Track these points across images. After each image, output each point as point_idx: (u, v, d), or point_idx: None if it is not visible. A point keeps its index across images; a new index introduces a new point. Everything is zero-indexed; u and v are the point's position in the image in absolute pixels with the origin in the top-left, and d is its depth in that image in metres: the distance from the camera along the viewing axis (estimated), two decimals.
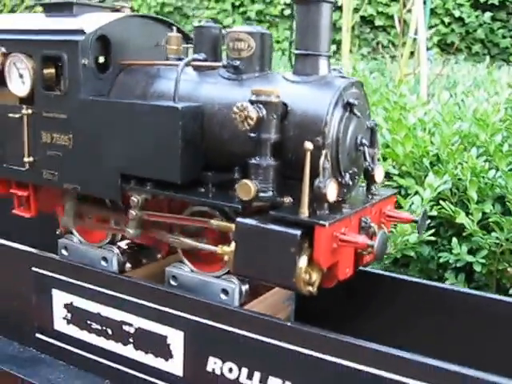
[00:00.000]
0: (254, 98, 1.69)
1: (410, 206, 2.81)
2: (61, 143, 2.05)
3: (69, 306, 2.12)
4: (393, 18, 10.63)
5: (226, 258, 1.81)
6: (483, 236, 2.72)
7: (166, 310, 1.91)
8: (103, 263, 2.18)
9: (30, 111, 2.11)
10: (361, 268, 2.10)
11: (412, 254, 2.74)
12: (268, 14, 12.78)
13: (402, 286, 2.17)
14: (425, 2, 6.09)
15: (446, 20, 12.87)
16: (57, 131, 2.06)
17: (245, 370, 1.79)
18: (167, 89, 1.98)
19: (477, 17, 12.89)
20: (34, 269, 2.18)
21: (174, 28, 2.13)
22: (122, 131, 1.92)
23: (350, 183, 1.79)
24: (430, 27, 6.55)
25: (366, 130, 1.85)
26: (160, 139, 1.84)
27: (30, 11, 6.51)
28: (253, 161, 1.71)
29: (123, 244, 2.22)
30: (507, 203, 2.78)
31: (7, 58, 2.13)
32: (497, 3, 12.78)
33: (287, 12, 12.44)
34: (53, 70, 2.13)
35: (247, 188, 1.68)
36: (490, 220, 2.75)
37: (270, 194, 1.70)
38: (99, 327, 2.07)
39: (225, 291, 1.92)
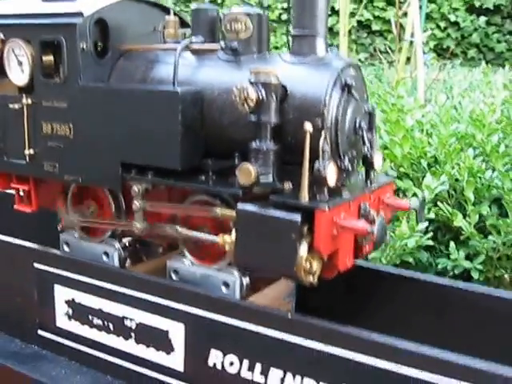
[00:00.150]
0: (253, 78, 1.68)
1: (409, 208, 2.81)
2: (61, 133, 2.04)
3: (70, 302, 2.12)
4: (389, 22, 10.69)
5: (226, 247, 1.80)
6: (480, 240, 2.74)
7: (168, 303, 1.90)
8: (105, 258, 2.17)
9: (29, 101, 2.09)
10: (360, 264, 2.11)
11: (411, 260, 2.75)
12: None
13: (400, 282, 2.17)
14: (420, 7, 6.13)
15: (442, 24, 12.94)
16: (57, 121, 2.04)
17: (246, 362, 1.78)
18: (166, 73, 1.96)
19: (472, 21, 12.96)
20: (36, 265, 2.18)
21: (172, 12, 2.12)
22: (121, 118, 1.91)
23: (349, 167, 1.78)
24: (426, 31, 6.57)
25: (365, 114, 1.84)
26: (160, 125, 1.83)
27: None
28: (253, 145, 1.70)
29: (124, 240, 2.21)
30: (504, 204, 2.79)
31: (5, 45, 2.11)
32: (491, 7, 12.85)
33: (285, 17, 12.49)
34: (51, 58, 2.10)
35: (248, 172, 1.67)
36: (487, 223, 2.77)
37: (270, 178, 1.69)
38: (101, 322, 2.06)
39: (226, 284, 1.91)
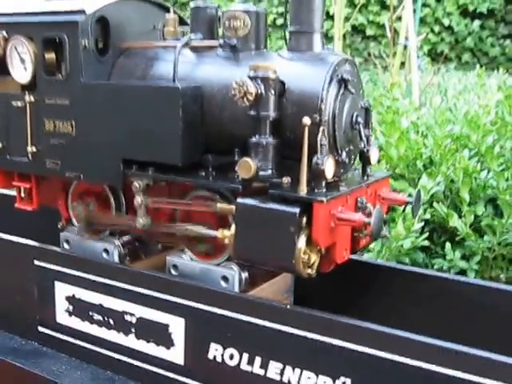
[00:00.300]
0: (252, 73, 1.71)
1: (404, 209, 2.85)
2: (63, 131, 2.06)
3: (71, 298, 2.14)
4: (383, 27, 10.73)
5: (226, 240, 1.83)
6: (476, 240, 2.76)
7: (168, 297, 1.92)
8: (104, 255, 2.19)
9: (32, 98, 2.12)
10: (357, 258, 2.15)
11: (407, 260, 2.78)
12: None
13: (397, 275, 2.20)
14: (414, 11, 6.18)
15: (436, 29, 13.01)
16: (59, 118, 2.07)
17: (246, 356, 1.80)
18: (166, 71, 1.99)
19: (466, 25, 13.03)
20: (36, 262, 2.20)
21: (171, 10, 2.15)
22: (123, 115, 1.93)
23: (347, 161, 1.81)
24: (420, 35, 6.61)
25: (361, 110, 1.87)
26: (161, 121, 1.86)
27: None
28: (253, 139, 1.74)
29: (123, 237, 2.24)
30: (499, 204, 2.82)
31: (8, 42, 2.13)
32: (485, 12, 12.92)
33: (280, 21, 12.55)
34: (53, 55, 2.13)
35: (247, 166, 1.70)
36: (483, 223, 2.80)
37: (270, 172, 1.73)
38: (101, 318, 2.08)
39: (225, 278, 1.93)
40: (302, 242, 1.65)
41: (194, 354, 1.91)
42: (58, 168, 2.11)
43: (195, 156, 1.90)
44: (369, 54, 11.68)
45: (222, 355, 1.84)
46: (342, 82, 1.77)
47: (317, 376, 1.69)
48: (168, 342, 1.95)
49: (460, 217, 2.83)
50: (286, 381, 1.73)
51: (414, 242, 2.75)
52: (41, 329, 2.24)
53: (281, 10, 12.55)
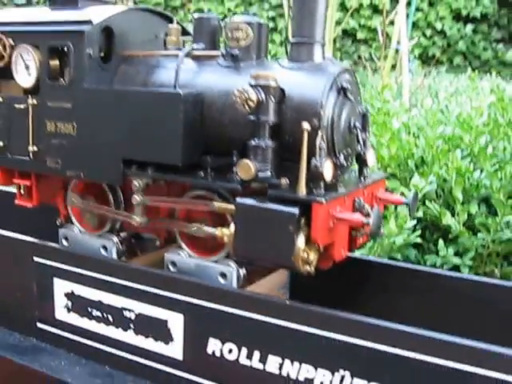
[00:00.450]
0: (253, 81, 1.77)
1: (396, 207, 2.89)
2: (65, 132, 2.12)
3: (70, 295, 2.17)
4: (375, 31, 10.79)
5: (225, 239, 1.87)
6: (470, 238, 2.81)
7: (166, 294, 1.96)
8: (103, 252, 2.23)
9: (35, 101, 2.17)
10: (351, 255, 2.19)
11: (399, 256, 2.81)
12: None
13: (391, 271, 2.25)
14: (407, 15, 6.24)
15: (428, 33, 13.09)
16: (61, 120, 2.12)
17: (244, 350, 1.84)
18: (167, 78, 2.05)
19: (458, 29, 13.11)
20: (35, 259, 2.23)
21: (175, 20, 2.22)
22: (125, 118, 1.99)
23: (344, 164, 1.87)
24: (412, 39, 6.69)
25: (359, 115, 1.94)
26: (162, 124, 1.91)
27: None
28: (252, 142, 1.79)
29: (122, 234, 2.27)
30: (492, 203, 2.86)
31: (14, 50, 2.20)
32: (478, 16, 13.01)
33: (271, 25, 12.59)
34: (57, 62, 2.19)
35: (247, 167, 1.76)
36: (476, 221, 2.84)
37: (268, 174, 1.78)
38: (100, 314, 2.11)
39: (223, 275, 1.98)
40: (301, 241, 1.71)
41: (192, 349, 1.94)
42: (58, 167, 2.16)
43: (194, 157, 1.95)
44: (359, 57, 11.76)
45: (221, 350, 1.88)
46: (341, 90, 1.84)
47: (316, 369, 1.73)
48: (167, 338, 1.98)
49: (453, 215, 2.88)
50: (285, 374, 1.78)
51: (406, 239, 2.79)
52: (40, 325, 2.27)
53: (271, 14, 12.60)
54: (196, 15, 2.09)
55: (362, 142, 1.92)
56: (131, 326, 2.05)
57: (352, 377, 1.68)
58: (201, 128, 1.95)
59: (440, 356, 1.56)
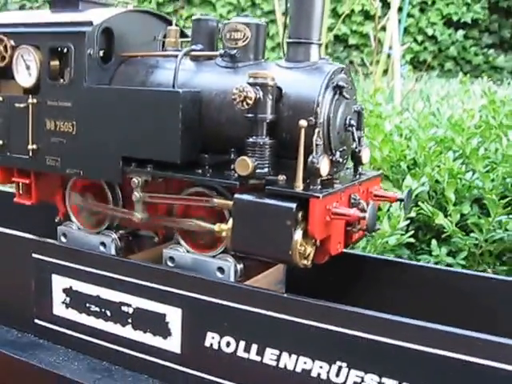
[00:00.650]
0: (251, 80, 1.82)
1: (389, 208, 2.93)
2: (64, 130, 2.15)
3: (68, 291, 2.19)
4: (366, 36, 10.86)
5: (224, 234, 1.91)
6: (462, 237, 2.85)
7: (165, 288, 1.98)
8: (101, 248, 2.26)
9: (35, 100, 2.21)
10: (346, 251, 2.22)
11: (392, 256, 2.84)
12: None
13: (382, 266, 2.32)
14: (399, 21, 6.30)
15: (419, 38, 13.18)
16: (61, 118, 2.16)
17: (242, 343, 1.87)
18: (166, 78, 2.10)
19: (449, 35, 13.21)
20: (34, 255, 2.25)
21: (174, 22, 2.27)
22: (124, 116, 2.02)
23: (340, 160, 1.92)
24: (404, 44, 6.75)
25: (354, 113, 1.99)
26: (161, 122, 1.95)
27: None
28: (250, 139, 1.84)
29: (120, 231, 2.30)
30: (484, 203, 2.90)
31: (15, 51, 2.24)
32: (469, 21, 13.11)
33: None
34: (57, 63, 2.24)
35: (245, 164, 1.80)
36: (469, 221, 2.88)
37: (266, 170, 1.83)
38: (98, 309, 2.13)
39: (221, 269, 2.01)
40: (298, 235, 1.75)
41: (190, 343, 1.97)
42: (58, 165, 2.19)
43: (193, 155, 1.99)
44: (351, 62, 11.82)
45: (219, 343, 1.91)
46: (337, 89, 1.89)
47: (313, 361, 1.76)
48: (165, 332, 2.01)
49: (445, 216, 2.92)
50: (283, 366, 1.81)
51: (399, 239, 2.83)
52: (37, 321, 2.28)
53: (263, 20, 12.63)
54: (194, 17, 2.14)
55: (357, 140, 1.96)
56: (129, 320, 2.07)
57: (349, 368, 1.71)
58: (199, 126, 1.99)
59: (437, 346, 1.59)
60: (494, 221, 2.79)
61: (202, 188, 2.03)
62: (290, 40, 1.96)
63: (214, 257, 2.04)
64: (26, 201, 2.37)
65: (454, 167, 3.08)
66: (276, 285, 2.23)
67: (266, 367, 1.83)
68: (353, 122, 1.94)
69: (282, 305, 1.80)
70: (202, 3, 13.46)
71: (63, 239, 2.36)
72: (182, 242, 2.10)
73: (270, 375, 1.83)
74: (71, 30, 2.12)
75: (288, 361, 1.80)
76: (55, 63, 2.23)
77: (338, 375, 1.73)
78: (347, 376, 1.72)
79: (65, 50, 2.16)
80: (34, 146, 2.23)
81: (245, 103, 1.78)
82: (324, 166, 1.76)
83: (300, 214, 1.75)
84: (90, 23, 2.10)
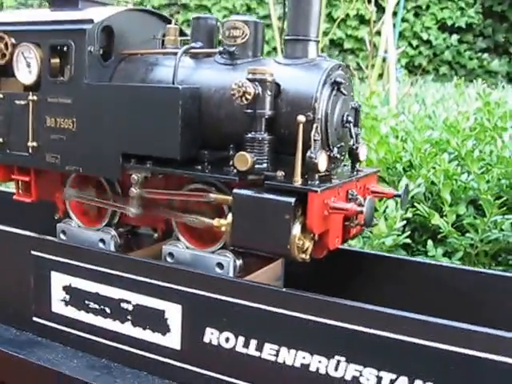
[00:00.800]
0: (250, 76, 1.84)
1: (385, 210, 2.95)
2: (64, 127, 2.17)
3: (67, 288, 2.20)
4: (361, 41, 10.90)
5: (223, 229, 1.92)
6: (458, 237, 2.87)
7: (164, 284, 1.99)
8: (101, 245, 2.27)
9: (35, 97, 2.23)
10: (342, 247, 2.24)
11: None
12: None
13: (378, 262, 2.35)
14: (394, 25, 6.34)
15: (414, 43, 13.25)
16: (61, 115, 2.17)
17: (241, 339, 1.88)
18: (166, 75, 2.12)
19: (444, 39, 13.29)
20: (33, 252, 2.26)
21: (173, 21, 2.29)
22: (124, 113, 2.04)
23: (338, 156, 1.94)
24: (398, 48, 6.79)
25: (351, 110, 2.01)
26: (161, 118, 1.97)
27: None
28: (249, 135, 1.86)
29: (120, 228, 2.32)
30: (480, 204, 2.92)
31: (16, 49, 2.26)
32: (464, 26, 13.18)
33: None
34: (57, 60, 2.26)
35: (244, 159, 1.82)
36: (465, 222, 2.89)
37: (265, 165, 1.84)
38: (97, 307, 2.14)
39: (220, 265, 2.03)
40: (296, 229, 1.76)
41: (190, 339, 1.98)
42: (58, 162, 2.20)
43: (192, 151, 2.00)
44: (346, 66, 11.86)
45: (218, 339, 1.92)
46: (335, 85, 1.92)
47: (312, 356, 1.77)
48: (164, 328, 2.01)
49: (441, 216, 2.93)
50: (282, 361, 1.82)
51: (395, 239, 2.85)
52: (36, 319, 2.29)
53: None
54: (194, 15, 2.17)
55: (354, 137, 1.98)
56: (129, 317, 2.08)
57: (347, 362, 1.73)
58: (198, 123, 2.01)
59: (435, 339, 1.61)
60: (489, 221, 2.81)
61: (202, 184, 2.04)
62: (288, 37, 1.98)
63: (213, 252, 2.05)
64: (26, 198, 2.39)
65: (450, 169, 3.10)
66: (275, 281, 2.24)
67: (265, 362, 1.84)
68: (350, 118, 1.96)
69: (281, 300, 1.81)
70: (198, 8, 13.51)
71: (62, 236, 2.37)
72: (182, 237, 2.11)
73: (269, 370, 1.84)
74: (72, 27, 2.15)
75: (287, 356, 1.81)
76: (55, 61, 2.25)
77: (336, 369, 1.74)
78: (346, 370, 1.73)
79: (65, 48, 2.18)
80: (34, 143, 2.24)
81: (244, 98, 1.80)
82: (322, 161, 1.78)
83: (298, 209, 1.77)
84: (90, 21, 2.12)
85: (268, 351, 1.84)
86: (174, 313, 1.99)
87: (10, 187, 2.74)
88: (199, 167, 1.99)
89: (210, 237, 2.06)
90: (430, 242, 2.92)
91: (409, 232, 2.94)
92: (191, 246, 2.10)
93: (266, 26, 2.07)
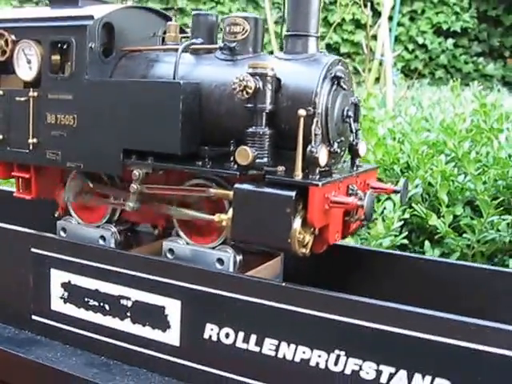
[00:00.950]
0: (251, 70, 1.85)
1: (383, 211, 2.96)
2: (65, 123, 2.17)
3: (66, 285, 2.19)
4: (357, 45, 10.94)
5: (224, 223, 1.92)
6: (455, 238, 2.88)
7: (164, 280, 1.99)
8: (101, 242, 2.28)
9: (35, 94, 2.23)
10: (339, 243, 2.25)
11: None
12: None
13: (377, 258, 2.36)
14: (390, 29, 6.38)
15: (410, 47, 13.31)
16: (61, 112, 2.18)
17: (241, 334, 1.88)
18: (166, 71, 2.12)
19: (439, 43, 13.35)
20: (33, 249, 2.25)
21: (173, 18, 2.31)
22: (125, 109, 2.05)
23: (338, 151, 1.95)
24: (394, 51, 6.83)
25: (351, 105, 2.03)
26: (162, 114, 1.97)
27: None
28: (249, 129, 1.87)
29: (120, 225, 2.32)
30: (477, 205, 2.94)
31: (16, 45, 2.27)
32: (459, 30, 13.25)
33: None
34: (58, 57, 2.27)
35: (245, 153, 1.83)
36: (461, 222, 2.91)
37: (266, 160, 1.86)
38: (96, 304, 2.14)
39: (220, 260, 2.04)
40: (297, 223, 1.77)
41: (189, 335, 1.97)
42: (58, 159, 2.21)
43: (193, 147, 2.01)
44: None
45: (218, 334, 1.91)
46: (335, 79, 1.93)
47: (311, 350, 1.77)
48: (164, 325, 2.01)
49: (438, 217, 2.94)
50: (282, 356, 1.82)
51: (393, 240, 2.86)
52: (35, 317, 2.28)
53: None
54: (194, 12, 2.18)
55: (354, 132, 1.99)
56: (128, 314, 2.08)
57: (347, 356, 1.73)
58: (199, 118, 2.02)
59: (433, 333, 1.61)
60: (486, 221, 2.82)
61: (202, 180, 2.05)
62: (289, 33, 1.99)
63: (213, 248, 2.06)
64: (26, 195, 2.38)
65: (447, 170, 3.12)
66: (274, 278, 2.24)
67: (265, 357, 1.84)
68: (350, 113, 1.97)
69: (282, 294, 1.81)
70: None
71: (63, 234, 2.37)
72: (182, 233, 2.12)
73: (269, 365, 1.84)
74: (72, 23, 2.15)
75: (287, 350, 1.81)
76: (56, 57, 2.25)
77: (336, 364, 1.74)
78: (345, 364, 1.73)
79: (66, 45, 2.18)
80: (35, 140, 2.24)
81: (244, 92, 1.81)
82: (322, 156, 1.79)
83: (299, 203, 1.77)
84: (91, 17, 2.13)
85: (268, 346, 1.84)
86: (173, 309, 1.99)
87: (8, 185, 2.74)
88: (200, 163, 1.99)
89: (211, 232, 2.07)
90: (427, 243, 2.93)
91: (406, 233, 2.95)
92: (191, 241, 2.10)
93: None
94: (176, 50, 2.08)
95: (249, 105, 1.86)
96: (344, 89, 1.94)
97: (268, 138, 1.86)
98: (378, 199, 3.08)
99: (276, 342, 1.83)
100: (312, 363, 1.78)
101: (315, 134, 1.79)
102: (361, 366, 1.71)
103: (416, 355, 1.64)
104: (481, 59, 13.66)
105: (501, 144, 3.38)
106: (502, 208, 2.83)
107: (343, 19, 12.74)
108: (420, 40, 13.34)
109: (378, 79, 6.52)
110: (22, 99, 2.25)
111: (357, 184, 2.00)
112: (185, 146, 1.96)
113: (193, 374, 1.97)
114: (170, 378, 2.01)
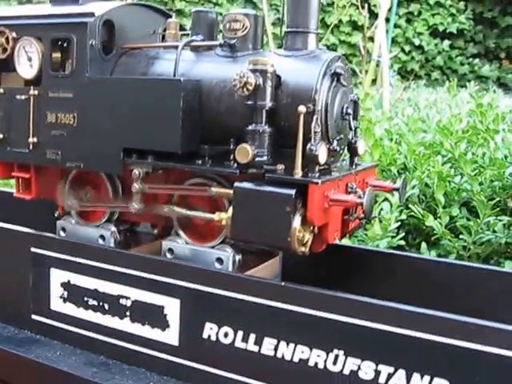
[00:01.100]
0: (251, 67, 1.85)
1: (380, 212, 2.97)
2: (65, 122, 2.17)
3: (66, 284, 2.19)
4: (354, 46, 10.95)
5: (223, 222, 1.93)
6: (451, 239, 2.89)
7: (163, 279, 1.99)
8: (101, 241, 2.28)
9: (36, 92, 2.23)
10: (337, 243, 2.26)
11: None
12: None
13: (375, 257, 2.37)
14: (387, 31, 6.40)
15: (406, 48, 13.34)
16: (62, 110, 2.17)
17: (240, 333, 1.87)
18: (166, 68, 2.12)
19: (436, 45, 13.38)
20: (32, 249, 2.25)
21: (173, 15, 2.31)
22: (125, 107, 2.04)
23: (337, 149, 1.95)
24: (391, 52, 6.85)
25: (350, 102, 2.03)
26: (162, 111, 1.97)
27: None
28: (249, 127, 1.87)
29: (120, 225, 2.32)
30: (473, 205, 2.94)
31: (17, 43, 2.26)
32: (455, 32, 13.29)
33: None
34: (59, 54, 2.26)
35: (245, 151, 1.83)
36: (458, 223, 2.91)
37: (265, 158, 1.86)
38: (96, 303, 2.13)
39: (219, 260, 2.04)
40: (297, 222, 1.77)
41: (188, 335, 1.97)
42: (58, 158, 2.20)
43: (193, 145, 2.01)
44: None
45: (217, 334, 1.91)
46: (335, 76, 1.93)
47: (310, 350, 1.77)
48: (163, 324, 2.01)
49: (435, 218, 2.95)
50: (280, 356, 1.82)
51: (390, 241, 2.86)
52: (34, 317, 2.28)
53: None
54: (194, 9, 2.18)
55: (353, 130, 2.00)
56: (127, 313, 2.08)
57: (346, 356, 1.73)
58: (199, 117, 2.02)
59: (432, 332, 1.61)
60: (482, 222, 2.83)
61: (202, 179, 2.05)
62: (288, 29, 2.00)
63: (212, 247, 2.06)
64: (26, 195, 2.38)
65: (443, 171, 3.13)
66: (273, 277, 2.24)
67: (264, 357, 1.84)
68: (349, 110, 1.98)
69: (280, 294, 1.81)
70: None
71: (62, 233, 2.37)
72: (181, 233, 2.12)
73: (268, 365, 1.84)
74: (73, 20, 2.15)
75: (286, 350, 1.80)
76: (57, 55, 2.25)
77: (335, 363, 1.74)
78: (344, 364, 1.73)
79: (66, 42, 2.18)
80: (35, 139, 2.24)
81: (245, 89, 1.81)
82: (322, 154, 1.79)
83: (299, 201, 1.78)
84: (91, 14, 2.13)
85: (267, 346, 1.83)
86: (172, 308, 1.99)
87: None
88: (200, 162, 1.99)
89: (210, 232, 2.07)
90: (423, 245, 2.94)
91: (403, 234, 2.96)
92: (191, 241, 2.11)
93: None
94: (176, 47, 2.08)
95: (249, 102, 1.86)
96: (344, 85, 1.95)
97: (268, 135, 1.86)
98: (375, 201, 3.09)
99: (275, 341, 1.82)
100: (311, 363, 1.78)
101: (315, 132, 1.79)
102: (359, 366, 1.71)
103: (414, 355, 1.64)
104: (476, 60, 13.71)
105: (497, 145, 3.39)
106: (498, 209, 2.83)
107: (340, 21, 12.76)
108: (416, 41, 13.38)
109: (374, 80, 6.54)
110: (23, 97, 2.25)
111: (356, 182, 2.00)
112: (185, 144, 1.96)
113: (192, 373, 1.96)
114: (169, 377, 2.00)
